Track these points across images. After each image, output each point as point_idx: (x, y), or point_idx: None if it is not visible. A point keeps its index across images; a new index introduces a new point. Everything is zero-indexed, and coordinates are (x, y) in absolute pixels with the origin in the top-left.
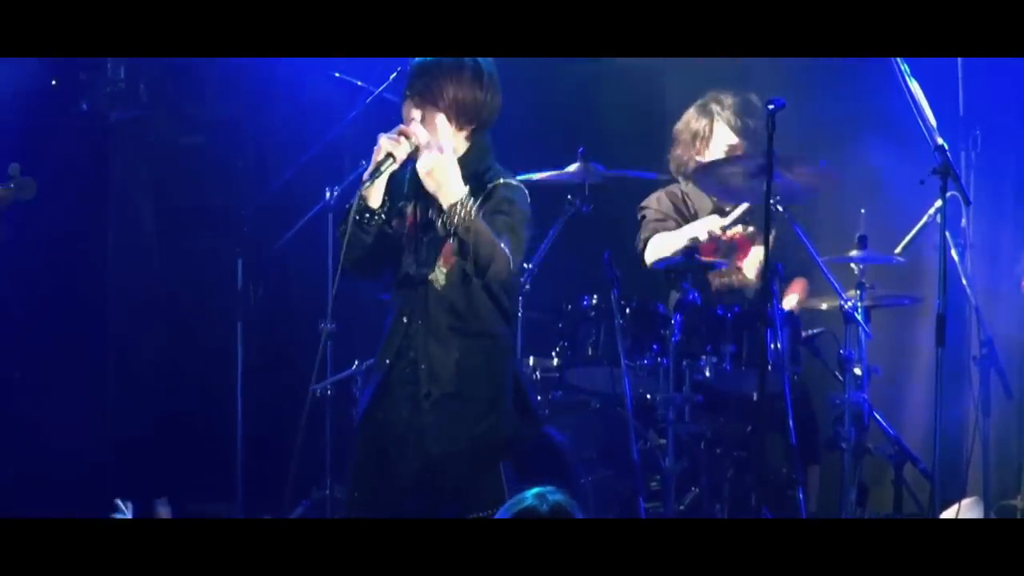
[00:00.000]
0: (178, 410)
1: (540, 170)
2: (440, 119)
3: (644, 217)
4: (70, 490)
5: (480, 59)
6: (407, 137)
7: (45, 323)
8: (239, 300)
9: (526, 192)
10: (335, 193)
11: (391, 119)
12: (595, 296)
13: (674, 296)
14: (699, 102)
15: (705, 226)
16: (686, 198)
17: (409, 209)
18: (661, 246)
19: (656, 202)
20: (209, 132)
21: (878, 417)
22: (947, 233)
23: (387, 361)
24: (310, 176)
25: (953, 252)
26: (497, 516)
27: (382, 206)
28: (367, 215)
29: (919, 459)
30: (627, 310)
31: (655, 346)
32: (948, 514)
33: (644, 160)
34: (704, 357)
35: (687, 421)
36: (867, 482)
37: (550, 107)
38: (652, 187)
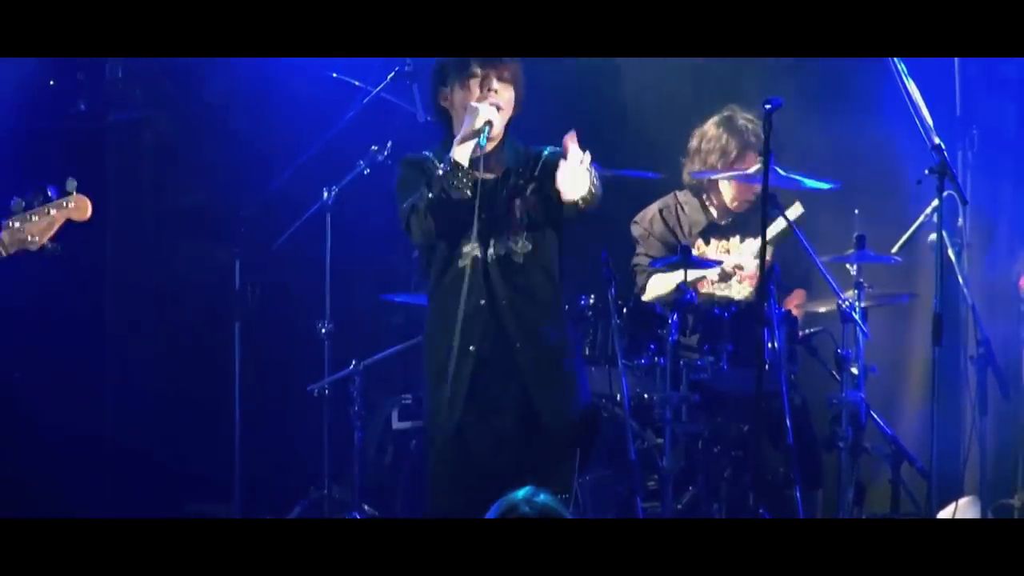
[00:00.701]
0: (176, 410)
1: None
2: (511, 95)
3: (637, 262)
4: (68, 490)
5: None
6: (498, 108)
7: (43, 323)
8: (237, 300)
9: None
10: (333, 193)
11: (389, 119)
12: (592, 296)
13: (671, 296)
14: (719, 118)
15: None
16: (680, 213)
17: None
18: (658, 287)
19: (650, 223)
20: (207, 132)
21: (875, 416)
22: (944, 232)
23: (470, 348)
24: (308, 176)
25: (950, 251)
26: (488, 515)
27: (472, 169)
28: (463, 177)
29: (916, 458)
30: (624, 310)
31: (652, 345)
32: (945, 513)
33: (642, 160)
34: (701, 356)
35: (684, 420)
36: (864, 481)
37: (546, 107)
38: (649, 187)
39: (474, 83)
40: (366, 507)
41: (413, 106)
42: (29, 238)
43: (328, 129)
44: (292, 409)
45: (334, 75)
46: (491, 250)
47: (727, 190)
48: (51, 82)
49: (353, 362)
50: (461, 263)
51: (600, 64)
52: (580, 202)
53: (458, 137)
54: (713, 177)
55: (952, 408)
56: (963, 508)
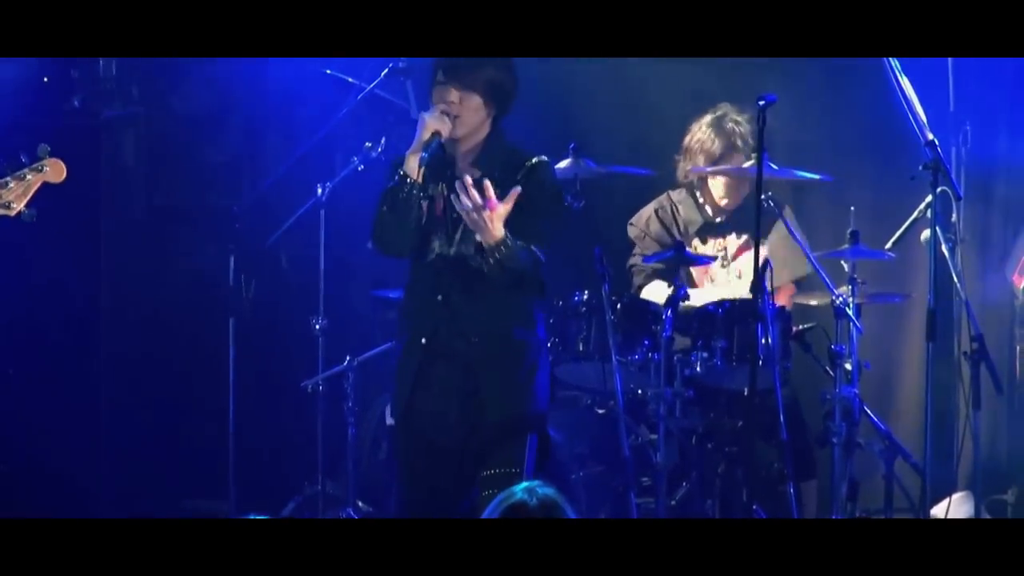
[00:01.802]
0: (170, 406)
1: None
2: (477, 101)
3: (633, 262)
4: (62, 487)
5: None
6: (448, 116)
7: (37, 320)
8: (231, 296)
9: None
10: (326, 189)
11: (382, 116)
12: (586, 292)
13: (662, 294)
14: (711, 117)
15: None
16: (675, 213)
17: (440, 189)
18: (654, 293)
19: (646, 224)
20: (201, 129)
21: (869, 412)
22: (938, 228)
23: (422, 340)
24: (302, 173)
25: (943, 247)
26: (487, 511)
27: (423, 181)
28: (410, 188)
29: (910, 454)
30: (618, 306)
31: (646, 341)
32: (939, 509)
33: (635, 156)
34: (695, 352)
35: (678, 416)
36: (858, 477)
37: (541, 103)
38: (643, 184)
39: (436, 92)
40: (360, 503)
41: (407, 102)
42: (7, 205)
43: (322, 126)
44: (286, 405)
45: (328, 71)
46: (454, 248)
47: (717, 188)
48: (45, 79)
49: (347, 358)
50: (428, 258)
51: (594, 59)
52: (489, 256)
53: (410, 149)
54: (703, 173)
55: (945, 404)
56: (957, 503)
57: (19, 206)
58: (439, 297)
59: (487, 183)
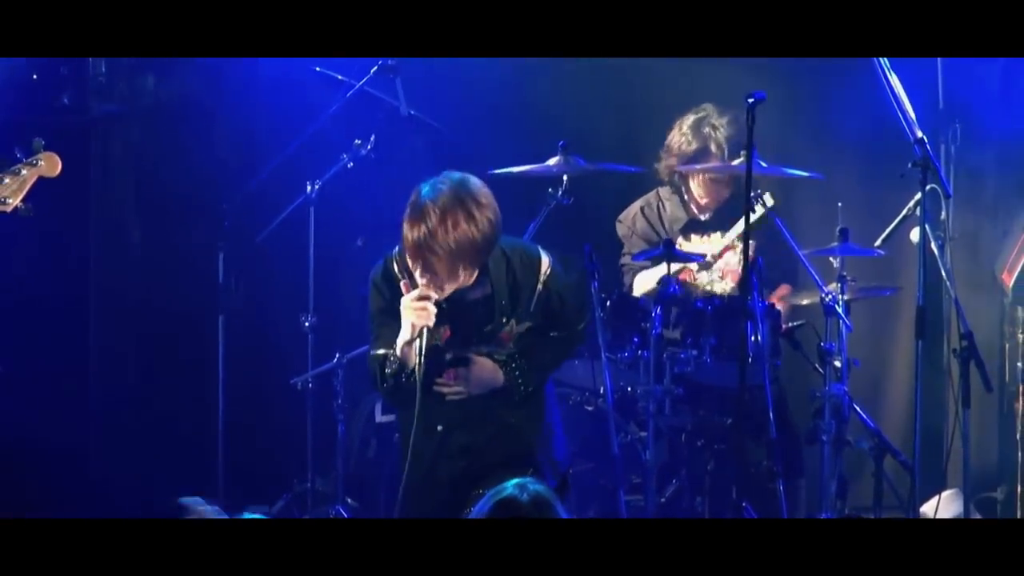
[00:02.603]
0: (160, 404)
1: (521, 163)
2: (459, 269)
3: (624, 261)
4: (52, 486)
5: (472, 186)
6: (429, 299)
7: (26, 317)
8: (221, 294)
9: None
10: (316, 187)
11: (373, 113)
12: None
13: (655, 289)
14: (693, 119)
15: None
16: (661, 210)
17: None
18: (643, 284)
19: (632, 221)
20: (190, 126)
21: (858, 410)
22: (927, 226)
23: (439, 428)
24: (291, 170)
25: (933, 245)
26: (477, 506)
27: (418, 366)
28: (410, 376)
29: (899, 452)
30: (607, 303)
31: (636, 339)
32: (928, 507)
33: (625, 154)
34: (685, 350)
35: (668, 414)
36: (847, 475)
37: (531, 101)
38: (632, 181)
39: (411, 266)
40: (349, 500)
41: (396, 100)
42: (1, 200)
43: (311, 123)
44: (276, 402)
45: (317, 69)
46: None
47: (696, 187)
48: (34, 76)
49: (336, 355)
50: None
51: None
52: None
53: (401, 339)
54: (687, 171)
55: (935, 401)
56: (946, 501)
57: (15, 201)
58: (439, 428)
59: (440, 266)
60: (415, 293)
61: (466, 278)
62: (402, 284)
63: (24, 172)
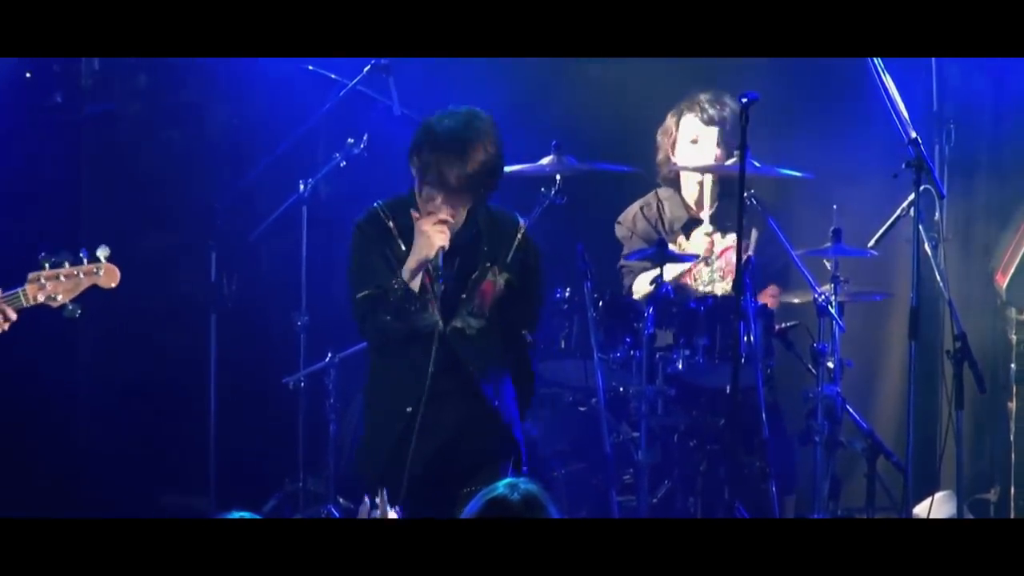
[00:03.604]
0: (151, 402)
1: (513, 163)
2: (466, 197)
3: (622, 263)
4: (41, 485)
5: (484, 119)
6: (447, 223)
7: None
8: (212, 292)
9: None
10: (309, 186)
11: (365, 112)
12: (568, 289)
13: (647, 289)
14: (676, 107)
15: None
16: (661, 210)
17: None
18: (643, 285)
19: (632, 222)
20: (183, 124)
21: (851, 410)
22: (920, 227)
23: (408, 409)
24: (284, 169)
25: (926, 246)
26: (469, 505)
27: (423, 291)
28: (416, 301)
29: (892, 453)
30: (600, 303)
31: (628, 339)
32: (921, 508)
33: (617, 153)
34: (677, 350)
35: (660, 414)
36: (840, 475)
37: (523, 100)
38: (625, 181)
39: (425, 198)
40: (341, 500)
41: (389, 99)
42: (53, 296)
43: (304, 122)
44: (268, 401)
45: (310, 68)
46: (453, 322)
47: (688, 186)
48: (27, 74)
49: (329, 355)
50: (420, 332)
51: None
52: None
53: (412, 261)
54: (681, 170)
55: (928, 402)
56: (939, 502)
57: (64, 300)
58: (431, 368)
59: (461, 198)
60: (433, 216)
61: (461, 215)
62: (412, 214)
63: (81, 276)
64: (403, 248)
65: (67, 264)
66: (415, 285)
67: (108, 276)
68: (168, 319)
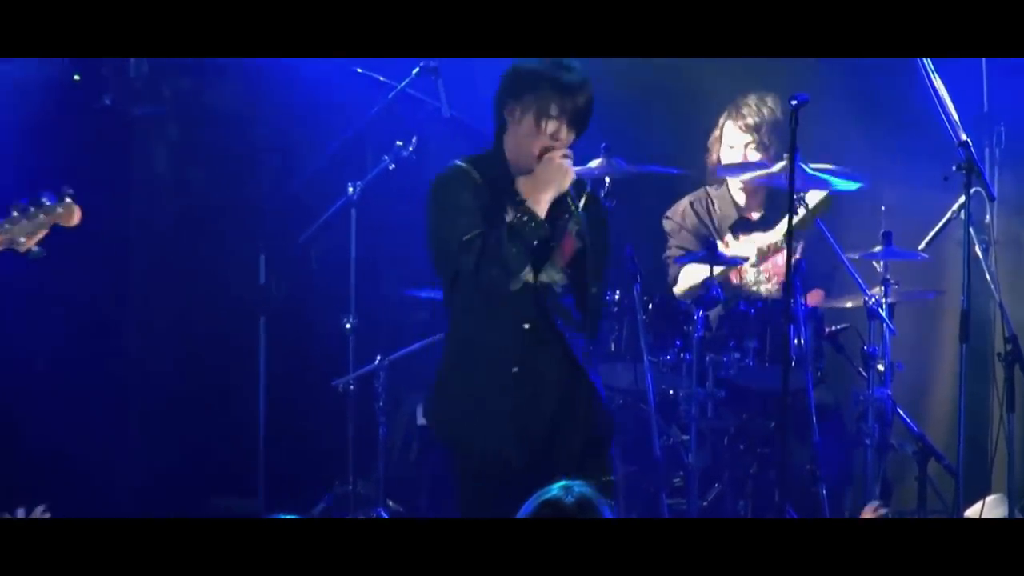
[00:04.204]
0: (200, 405)
1: None
2: (573, 135)
3: (668, 255)
4: (92, 486)
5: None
6: (569, 158)
7: (66, 319)
8: (262, 295)
9: None
10: (358, 188)
11: (414, 114)
12: (617, 291)
13: (697, 286)
14: (726, 111)
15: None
16: (711, 206)
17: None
18: (689, 278)
19: (682, 216)
20: (232, 127)
21: (902, 413)
22: (971, 229)
23: (514, 370)
24: (333, 171)
25: (977, 248)
26: (523, 507)
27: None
28: (534, 224)
29: (943, 456)
30: (650, 305)
31: (678, 342)
32: (972, 511)
33: (666, 156)
34: (727, 353)
35: (710, 417)
36: (891, 478)
37: None
38: (674, 183)
39: (546, 125)
40: (390, 503)
41: (438, 101)
42: (16, 240)
43: (353, 124)
44: (317, 404)
45: (359, 70)
46: (542, 276)
47: (734, 187)
48: (76, 77)
49: (378, 357)
50: (513, 288)
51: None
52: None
53: (544, 190)
54: (727, 176)
55: (979, 405)
56: (990, 506)
57: (28, 244)
58: (525, 326)
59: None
60: (560, 150)
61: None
62: (533, 144)
63: (42, 217)
64: (490, 200)
65: (32, 209)
66: (540, 211)
67: (68, 214)
68: (217, 322)
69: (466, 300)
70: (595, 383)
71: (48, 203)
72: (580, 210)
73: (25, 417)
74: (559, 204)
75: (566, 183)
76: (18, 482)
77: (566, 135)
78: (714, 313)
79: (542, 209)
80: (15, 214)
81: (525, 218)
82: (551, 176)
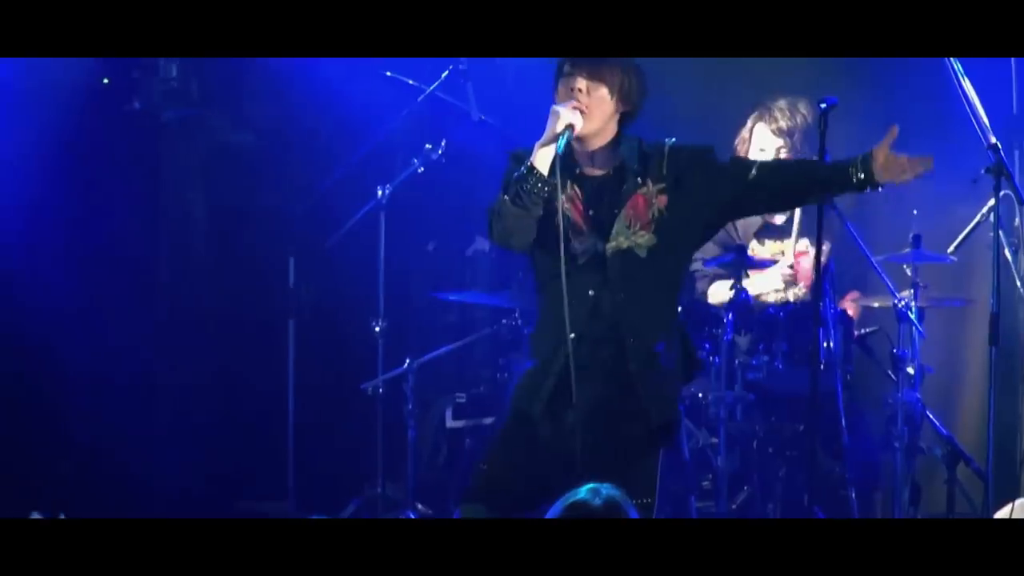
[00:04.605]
0: (229, 408)
1: None
2: (604, 92)
3: (695, 267)
4: (122, 488)
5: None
6: (581, 111)
7: (95, 321)
8: (291, 298)
9: None
10: (387, 191)
11: (443, 117)
12: None
13: (726, 294)
14: (755, 112)
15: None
16: None
17: (568, 189)
18: (720, 293)
19: None
20: (260, 130)
21: (931, 416)
22: (1000, 232)
23: (572, 335)
24: (362, 174)
25: (1006, 251)
26: (550, 510)
27: (551, 175)
28: (539, 183)
29: (972, 459)
30: (679, 309)
31: (707, 344)
32: (1002, 514)
33: None
34: (756, 356)
35: (739, 420)
36: (920, 482)
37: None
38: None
39: (562, 84)
40: (419, 506)
41: (467, 104)
42: None
43: (382, 127)
44: (346, 407)
45: (388, 73)
46: (611, 243)
47: None
48: (105, 80)
49: (407, 360)
50: (577, 260)
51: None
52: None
53: (540, 141)
54: None
55: (1009, 408)
56: (1020, 509)
57: None
58: (591, 293)
59: (603, 91)
60: (570, 102)
61: (607, 116)
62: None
63: None
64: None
65: None
66: (544, 166)
67: None
68: (246, 325)
69: (535, 267)
70: (659, 369)
71: None
72: (665, 169)
73: (57, 419)
74: (622, 172)
75: (559, 127)
76: (49, 483)
77: (586, 86)
78: (743, 316)
79: (538, 158)
80: None
81: (523, 170)
82: (549, 123)
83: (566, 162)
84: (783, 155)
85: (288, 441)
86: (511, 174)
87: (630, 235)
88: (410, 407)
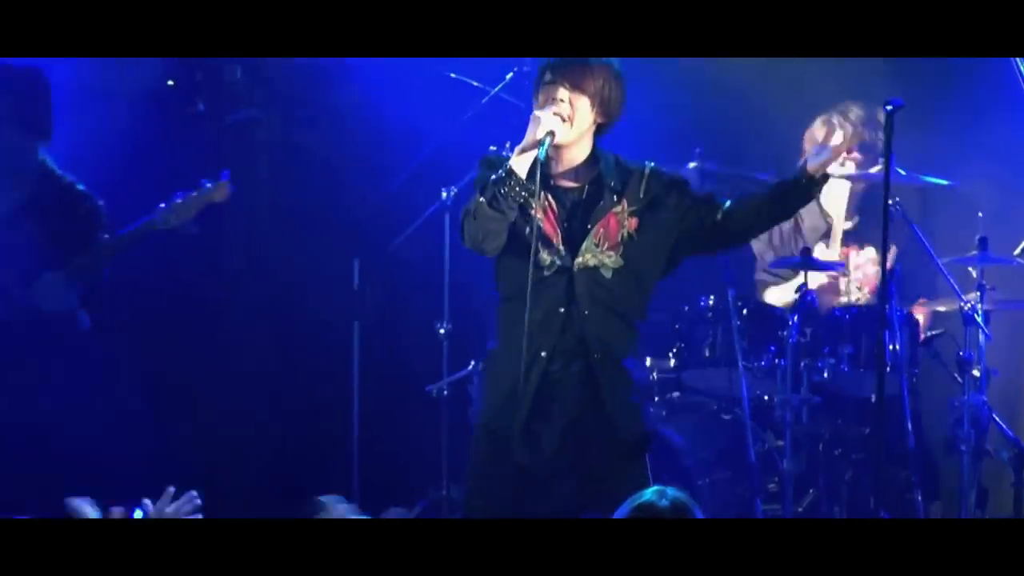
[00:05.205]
0: (295, 410)
1: None
2: (585, 103)
3: (757, 277)
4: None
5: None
6: (562, 119)
7: (160, 324)
8: (356, 301)
9: None
10: (451, 194)
11: (508, 119)
12: (712, 297)
13: (782, 299)
14: (826, 113)
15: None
16: (799, 219)
17: (542, 200)
18: (776, 298)
19: (768, 235)
20: (325, 132)
21: (997, 419)
22: None
23: (542, 354)
24: (426, 177)
25: None
26: (616, 512)
27: (529, 181)
28: (517, 187)
29: None
30: (744, 311)
31: (772, 347)
32: None
33: (756, 158)
34: (822, 358)
35: (805, 423)
36: (986, 485)
37: (662, 103)
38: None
39: (543, 91)
40: None
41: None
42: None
43: (446, 129)
44: (411, 409)
45: (452, 75)
46: (579, 259)
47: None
48: (170, 82)
49: (472, 363)
50: (544, 271)
51: (718, 63)
52: None
53: (519, 146)
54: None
55: None
56: None
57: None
58: (560, 309)
59: (582, 102)
60: (551, 107)
61: (575, 129)
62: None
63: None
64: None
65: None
66: (522, 171)
67: (220, 192)
68: (312, 327)
69: (501, 276)
70: (625, 381)
71: (208, 186)
72: (642, 194)
73: (124, 419)
74: (599, 186)
75: (539, 133)
76: (116, 481)
77: (568, 96)
78: (809, 318)
79: (517, 163)
80: (178, 201)
81: (502, 175)
82: (528, 130)
83: (541, 171)
84: (849, 160)
85: (353, 444)
86: (484, 178)
87: (597, 253)
88: (475, 409)
